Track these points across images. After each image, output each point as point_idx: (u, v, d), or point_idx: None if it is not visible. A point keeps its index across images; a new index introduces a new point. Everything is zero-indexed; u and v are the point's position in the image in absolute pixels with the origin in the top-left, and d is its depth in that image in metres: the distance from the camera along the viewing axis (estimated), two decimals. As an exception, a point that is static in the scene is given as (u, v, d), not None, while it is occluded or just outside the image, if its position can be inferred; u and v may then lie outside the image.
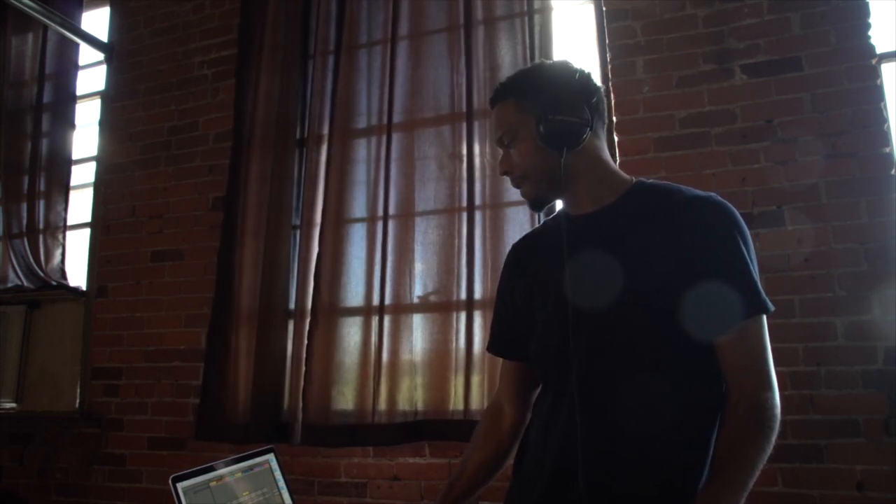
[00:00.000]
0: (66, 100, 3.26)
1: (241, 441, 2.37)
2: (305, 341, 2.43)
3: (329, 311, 2.40)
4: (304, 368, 2.40)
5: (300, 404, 2.37)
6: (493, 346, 1.26)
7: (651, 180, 1.10)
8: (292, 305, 2.55)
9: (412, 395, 2.27)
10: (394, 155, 2.45)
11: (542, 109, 1.02)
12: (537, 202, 1.11)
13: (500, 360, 1.26)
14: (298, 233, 2.60)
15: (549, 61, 1.17)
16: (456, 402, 2.20)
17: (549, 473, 1.03)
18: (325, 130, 2.61)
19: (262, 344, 2.48)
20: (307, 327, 2.45)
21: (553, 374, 1.08)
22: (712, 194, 1.04)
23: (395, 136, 2.47)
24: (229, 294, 2.60)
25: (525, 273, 1.17)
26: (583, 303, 1.02)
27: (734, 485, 0.87)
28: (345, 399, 2.35)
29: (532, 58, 2.33)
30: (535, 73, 1.09)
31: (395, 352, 2.31)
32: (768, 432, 0.91)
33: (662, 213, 1.02)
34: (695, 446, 0.97)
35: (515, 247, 1.25)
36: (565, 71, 1.08)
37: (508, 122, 1.07)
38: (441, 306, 2.31)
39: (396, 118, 2.48)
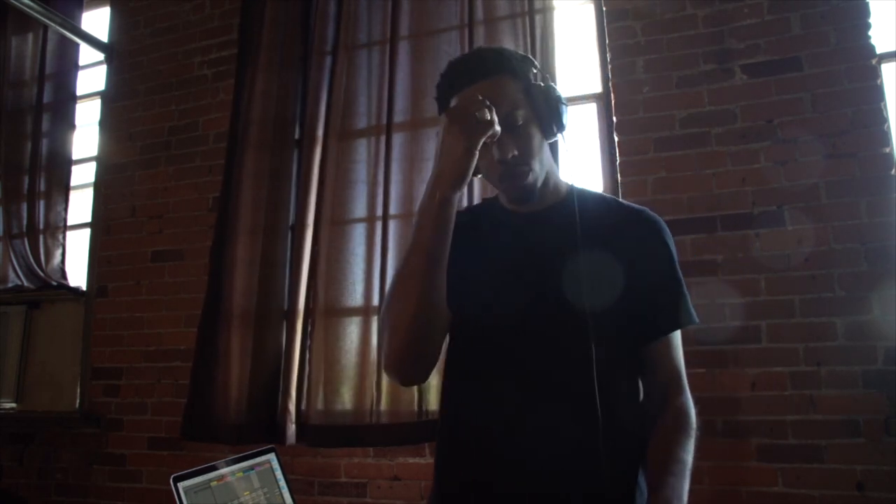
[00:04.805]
0: (66, 100, 3.26)
1: (234, 442, 2.37)
2: (299, 341, 2.43)
3: (328, 311, 2.40)
4: (303, 368, 2.40)
5: (296, 405, 2.37)
6: None
7: (580, 186, 1.11)
8: (287, 305, 2.53)
9: (411, 395, 2.27)
10: (394, 155, 2.45)
11: (545, 92, 1.01)
12: (537, 191, 1.03)
13: None
14: (294, 233, 2.59)
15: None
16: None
17: (530, 474, 0.95)
18: (324, 130, 2.60)
19: (259, 344, 2.47)
20: (300, 327, 2.45)
21: (490, 365, 1.01)
22: (646, 208, 1.09)
23: (395, 137, 2.47)
24: (220, 293, 2.58)
25: (463, 248, 1.03)
26: (535, 299, 1.00)
27: (683, 485, 0.90)
28: (343, 399, 2.35)
29: (534, 57, 2.32)
30: (517, 55, 1.05)
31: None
32: (694, 433, 0.98)
33: (607, 221, 1.04)
34: (639, 444, 0.99)
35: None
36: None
37: (516, 99, 1.00)
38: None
39: (396, 118, 2.48)
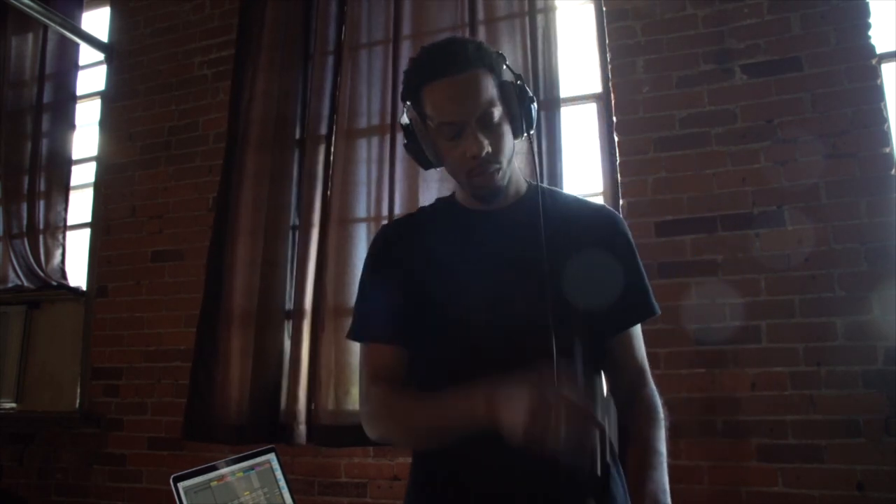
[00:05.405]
0: (66, 100, 3.26)
1: (234, 442, 2.37)
2: (306, 342, 2.43)
3: (337, 311, 2.40)
4: (312, 369, 2.40)
5: (300, 405, 2.37)
6: (381, 332, 1.05)
7: (536, 182, 1.10)
8: (290, 306, 2.54)
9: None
10: (397, 155, 2.45)
11: (518, 89, 1.00)
12: (504, 190, 1.02)
13: None
14: (296, 233, 2.59)
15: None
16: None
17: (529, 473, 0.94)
18: (326, 130, 2.61)
19: (260, 344, 2.47)
20: (308, 327, 2.45)
21: (465, 366, 0.98)
22: (604, 205, 1.13)
23: (399, 136, 2.47)
24: (220, 294, 2.58)
25: (414, 259, 1.05)
26: (504, 297, 0.98)
27: (664, 476, 0.93)
28: (354, 399, 2.34)
29: (535, 57, 2.33)
30: (492, 51, 1.02)
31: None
32: (664, 423, 1.00)
33: (569, 217, 1.05)
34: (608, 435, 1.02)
35: (394, 231, 1.13)
36: None
37: (493, 95, 0.97)
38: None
39: (399, 118, 2.48)
